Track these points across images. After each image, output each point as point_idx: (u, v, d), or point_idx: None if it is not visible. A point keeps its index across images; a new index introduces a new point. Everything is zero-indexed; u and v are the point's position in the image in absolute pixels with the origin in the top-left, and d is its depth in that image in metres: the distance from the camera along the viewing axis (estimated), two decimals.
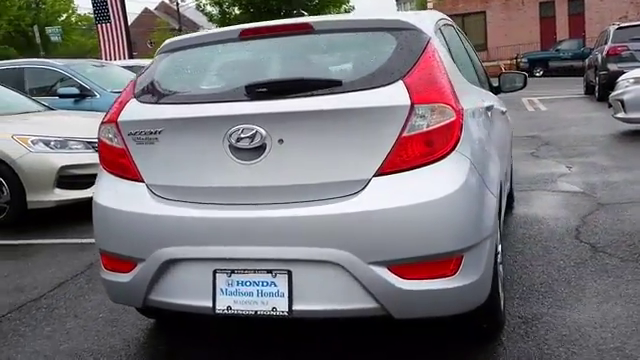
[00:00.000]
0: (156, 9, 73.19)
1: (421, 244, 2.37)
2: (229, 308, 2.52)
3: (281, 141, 2.45)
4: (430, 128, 2.40)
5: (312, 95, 2.46)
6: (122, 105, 2.79)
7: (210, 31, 2.97)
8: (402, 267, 2.39)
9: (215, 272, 2.54)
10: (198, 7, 23.56)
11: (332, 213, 2.38)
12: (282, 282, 2.47)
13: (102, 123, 2.81)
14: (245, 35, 2.82)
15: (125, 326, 3.41)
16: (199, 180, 2.58)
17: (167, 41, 3.05)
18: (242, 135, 2.46)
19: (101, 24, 18.84)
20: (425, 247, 2.37)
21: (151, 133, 2.64)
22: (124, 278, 2.73)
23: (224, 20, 23.37)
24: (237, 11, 22.20)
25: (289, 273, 2.46)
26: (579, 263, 3.90)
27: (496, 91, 4.76)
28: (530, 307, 3.26)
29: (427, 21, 2.84)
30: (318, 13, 21.00)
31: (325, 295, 2.45)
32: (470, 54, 3.83)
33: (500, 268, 3.09)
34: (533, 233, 4.65)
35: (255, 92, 2.53)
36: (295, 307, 2.46)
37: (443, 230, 2.38)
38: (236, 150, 2.48)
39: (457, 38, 3.67)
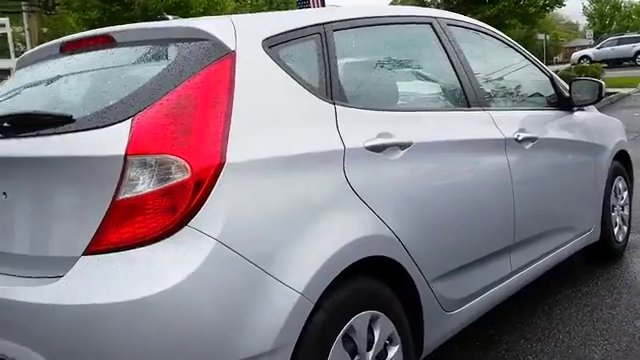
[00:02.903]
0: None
1: None
2: None
3: (5, 194, 1.88)
4: (152, 190, 1.63)
5: (37, 135, 1.84)
6: None
7: (45, 45, 2.46)
8: None
9: None
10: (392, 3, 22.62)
11: (26, 300, 1.74)
12: None
13: None
14: (66, 49, 2.27)
15: None
16: None
17: (22, 55, 2.62)
18: None
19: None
20: None
21: None
22: None
23: None
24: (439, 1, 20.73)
25: None
26: None
27: (568, 105, 3.50)
28: None
29: (249, 28, 1.98)
30: (520, 3, 19.03)
31: None
32: (455, 61, 2.73)
33: None
34: (592, 303, 3.31)
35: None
36: None
37: (149, 346, 1.59)
38: None
39: (400, 41, 2.64)
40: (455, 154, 2.49)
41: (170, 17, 2.44)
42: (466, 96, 2.75)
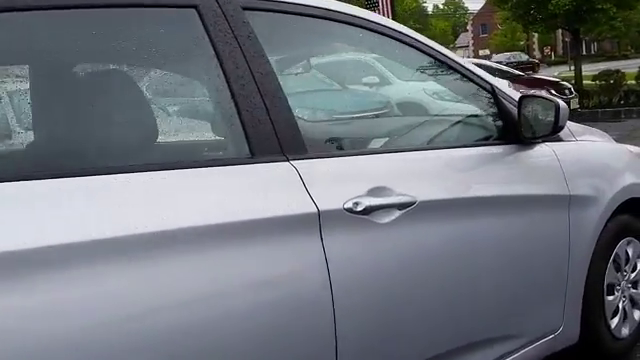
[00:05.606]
0: None
1: None
2: None
3: None
4: None
5: None
6: None
7: None
8: None
9: None
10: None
11: None
12: None
13: None
14: None
15: None
16: None
17: None
18: None
19: (371, 9, 18.11)
20: None
21: None
22: None
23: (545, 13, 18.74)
24: None
25: None
26: None
27: (515, 137, 2.24)
28: None
29: None
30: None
31: None
32: (234, 77, 1.55)
33: None
34: None
35: None
36: None
37: None
38: None
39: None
40: (170, 261, 1.30)
41: None
42: (248, 138, 1.55)
